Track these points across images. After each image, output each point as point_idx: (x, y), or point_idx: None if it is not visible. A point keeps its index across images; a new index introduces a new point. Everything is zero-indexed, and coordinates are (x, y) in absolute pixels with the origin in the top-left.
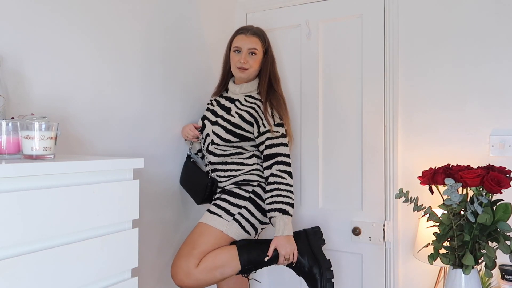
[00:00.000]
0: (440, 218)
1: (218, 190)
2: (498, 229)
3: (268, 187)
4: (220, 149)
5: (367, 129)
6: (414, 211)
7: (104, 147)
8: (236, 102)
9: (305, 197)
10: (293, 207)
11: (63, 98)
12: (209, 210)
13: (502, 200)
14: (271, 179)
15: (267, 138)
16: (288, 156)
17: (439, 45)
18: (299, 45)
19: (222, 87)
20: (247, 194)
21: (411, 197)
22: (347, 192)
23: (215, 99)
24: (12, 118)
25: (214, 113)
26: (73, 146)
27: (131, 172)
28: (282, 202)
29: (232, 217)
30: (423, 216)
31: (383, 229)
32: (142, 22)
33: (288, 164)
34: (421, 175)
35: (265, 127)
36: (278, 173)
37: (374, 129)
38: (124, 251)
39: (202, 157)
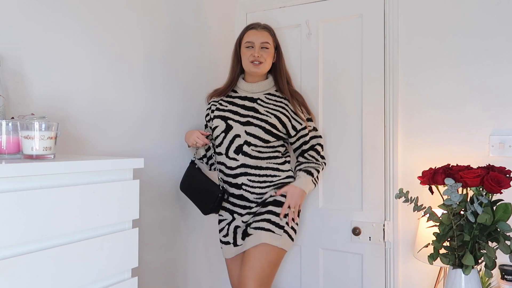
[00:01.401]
0: (440, 218)
1: (254, 197)
2: (498, 229)
3: (301, 160)
4: (257, 151)
5: (367, 129)
6: (414, 211)
7: (104, 147)
8: (259, 101)
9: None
10: (317, 182)
11: (63, 98)
12: (262, 228)
13: (502, 200)
14: (304, 159)
15: (304, 135)
16: (322, 146)
17: (439, 45)
18: (299, 45)
19: (230, 87)
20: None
21: (411, 197)
22: (347, 192)
23: (222, 100)
24: (12, 118)
25: (236, 113)
26: (73, 146)
27: (131, 172)
28: (310, 167)
29: (282, 230)
30: (423, 216)
31: (383, 229)
32: (142, 22)
33: (322, 148)
34: (421, 175)
35: (301, 124)
36: (313, 153)
37: (374, 129)
38: (124, 251)
39: (207, 162)
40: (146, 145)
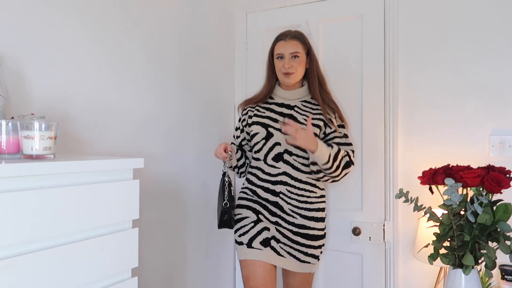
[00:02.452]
0: (440, 218)
1: (288, 207)
2: (498, 229)
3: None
4: (299, 162)
5: (367, 129)
6: (414, 211)
7: (104, 147)
8: (296, 108)
9: None
10: (333, 162)
11: (63, 98)
12: (297, 258)
13: (502, 200)
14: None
15: (334, 137)
16: (352, 152)
17: (440, 45)
18: None
19: (268, 96)
20: (322, 232)
21: (411, 197)
22: (347, 192)
23: (259, 106)
24: (12, 118)
25: (276, 120)
26: (73, 146)
27: (131, 172)
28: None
29: (317, 259)
30: (423, 216)
31: (383, 229)
32: (142, 22)
33: (349, 157)
34: (421, 175)
35: (330, 128)
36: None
37: (374, 129)
38: (124, 251)
39: (238, 172)
40: (146, 145)
